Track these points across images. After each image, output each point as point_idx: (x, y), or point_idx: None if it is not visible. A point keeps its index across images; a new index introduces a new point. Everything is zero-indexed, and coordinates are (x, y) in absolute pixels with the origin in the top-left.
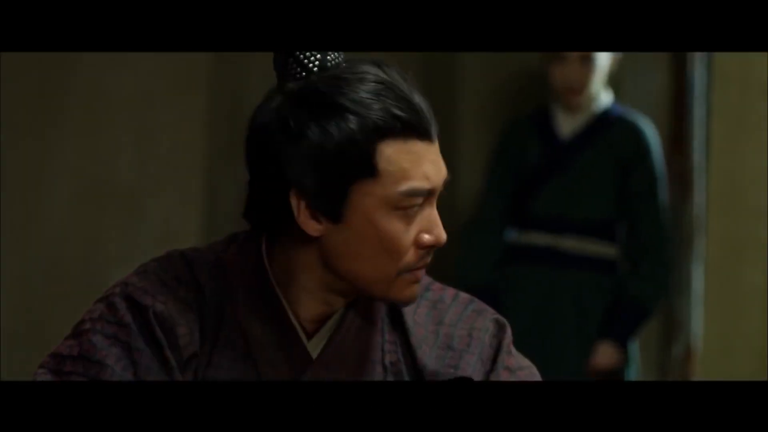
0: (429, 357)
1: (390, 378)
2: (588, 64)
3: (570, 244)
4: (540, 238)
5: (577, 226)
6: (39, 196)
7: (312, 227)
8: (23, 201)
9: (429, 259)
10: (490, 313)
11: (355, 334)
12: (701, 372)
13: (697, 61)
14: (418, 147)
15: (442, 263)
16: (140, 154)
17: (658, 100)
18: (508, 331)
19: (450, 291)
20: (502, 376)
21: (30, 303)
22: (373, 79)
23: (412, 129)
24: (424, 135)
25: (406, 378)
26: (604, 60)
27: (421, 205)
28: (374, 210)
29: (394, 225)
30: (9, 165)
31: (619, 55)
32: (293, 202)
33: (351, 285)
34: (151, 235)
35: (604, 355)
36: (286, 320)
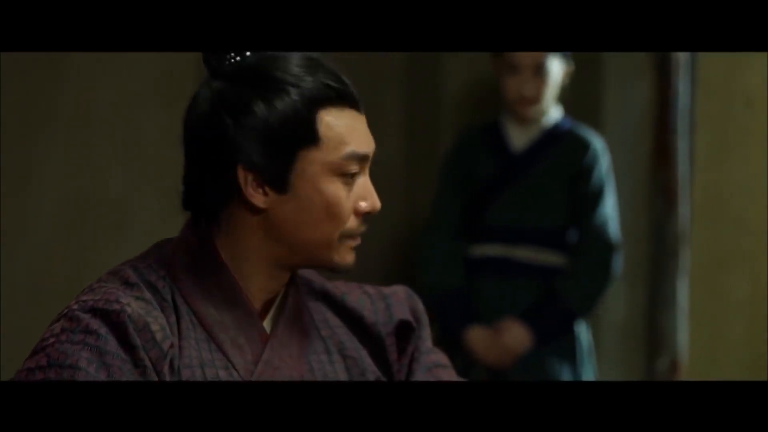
0: (375, 314)
1: (332, 347)
2: (541, 75)
3: (523, 254)
4: (493, 249)
5: (530, 236)
6: (24, 206)
7: (259, 199)
8: (8, 211)
9: (364, 227)
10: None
11: (294, 313)
12: None
13: (681, 73)
14: (352, 115)
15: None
16: (126, 165)
17: (641, 112)
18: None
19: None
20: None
21: (14, 314)
22: (301, 56)
23: (345, 98)
24: (355, 104)
25: (348, 346)
26: (556, 72)
27: (357, 173)
28: (319, 177)
29: (337, 191)
30: None
31: (570, 67)
32: (240, 177)
33: (295, 255)
34: (138, 247)
35: (511, 333)
36: (243, 301)
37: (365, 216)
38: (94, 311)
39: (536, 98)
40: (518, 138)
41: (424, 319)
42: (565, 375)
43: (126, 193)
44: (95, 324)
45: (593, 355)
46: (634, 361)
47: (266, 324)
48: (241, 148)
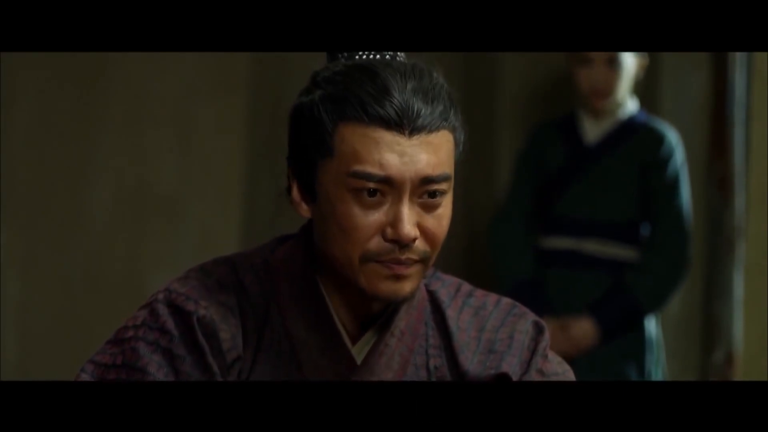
0: (471, 362)
1: (435, 380)
2: (614, 68)
3: (592, 247)
4: (562, 242)
5: (600, 229)
6: (80, 197)
7: (303, 208)
8: (64, 202)
9: (405, 256)
10: (531, 316)
11: (399, 338)
12: (742, 377)
13: (737, 64)
14: (381, 135)
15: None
16: (180, 156)
17: (698, 104)
18: (546, 335)
19: (492, 297)
20: (534, 378)
21: (70, 304)
22: (361, 64)
23: (377, 116)
24: (392, 125)
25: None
26: (630, 65)
27: (384, 195)
28: (331, 188)
29: (348, 206)
30: (50, 166)
31: (645, 60)
32: (291, 182)
33: (337, 272)
34: (191, 237)
35: (579, 328)
36: (331, 323)
37: (395, 243)
38: (173, 308)
39: (609, 91)
40: (592, 130)
41: (536, 359)
42: (630, 371)
43: (180, 185)
44: (170, 323)
45: (662, 351)
46: (690, 354)
47: (362, 345)
48: (289, 151)
